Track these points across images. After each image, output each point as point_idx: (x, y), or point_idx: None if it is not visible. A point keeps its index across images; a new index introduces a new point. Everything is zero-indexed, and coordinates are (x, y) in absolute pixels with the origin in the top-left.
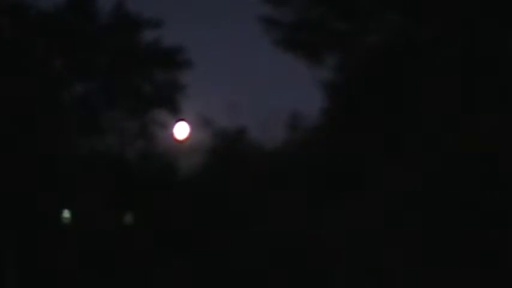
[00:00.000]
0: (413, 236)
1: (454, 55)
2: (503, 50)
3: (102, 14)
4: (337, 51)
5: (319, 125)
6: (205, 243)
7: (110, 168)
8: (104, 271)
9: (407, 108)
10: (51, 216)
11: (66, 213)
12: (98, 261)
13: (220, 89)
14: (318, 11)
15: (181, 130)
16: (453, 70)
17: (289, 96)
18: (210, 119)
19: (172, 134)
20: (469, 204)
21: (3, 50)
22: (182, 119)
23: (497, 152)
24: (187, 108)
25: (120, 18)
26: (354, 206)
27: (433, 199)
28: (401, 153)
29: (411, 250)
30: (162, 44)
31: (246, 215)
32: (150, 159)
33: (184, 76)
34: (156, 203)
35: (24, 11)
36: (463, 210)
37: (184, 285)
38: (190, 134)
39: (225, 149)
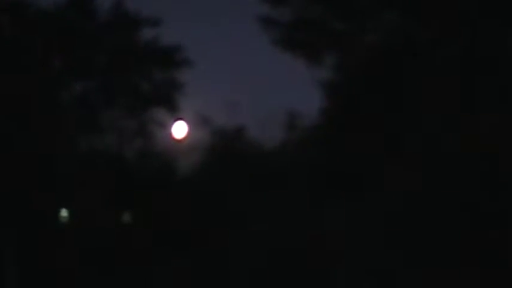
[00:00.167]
0: (413, 236)
1: (454, 55)
2: (503, 50)
3: (101, 13)
4: (335, 51)
5: (317, 124)
6: (203, 242)
7: (108, 167)
8: (103, 270)
9: (407, 108)
10: (50, 214)
11: (64, 212)
12: (97, 259)
13: (219, 87)
14: (316, 10)
15: (179, 129)
16: (453, 70)
17: (287, 95)
18: (209, 117)
19: (170, 133)
20: (469, 204)
21: (3, 48)
22: (181, 118)
23: (497, 152)
24: (186, 107)
25: (119, 17)
26: (353, 206)
27: (433, 199)
28: (401, 153)
29: (411, 250)
30: (160, 43)
31: (245, 214)
32: (148, 158)
33: (182, 75)
34: (154, 202)
35: (23, 10)
36: (463, 210)
37: (183, 284)
38: (189, 133)
39: (224, 148)
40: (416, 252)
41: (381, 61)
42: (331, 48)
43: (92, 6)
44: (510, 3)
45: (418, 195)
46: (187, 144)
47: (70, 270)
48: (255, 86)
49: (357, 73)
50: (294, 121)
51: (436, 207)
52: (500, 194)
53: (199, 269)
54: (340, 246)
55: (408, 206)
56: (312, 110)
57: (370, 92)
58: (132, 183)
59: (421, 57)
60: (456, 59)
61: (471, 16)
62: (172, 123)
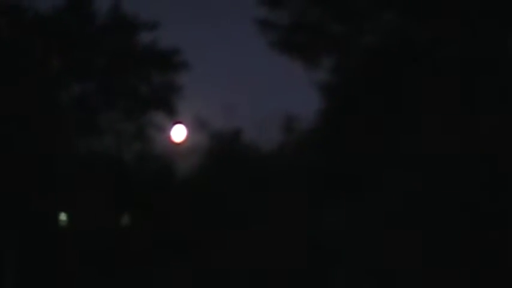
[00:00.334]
0: (413, 237)
1: (453, 55)
2: (503, 50)
3: (99, 16)
4: (333, 53)
5: (315, 126)
6: (202, 244)
7: (107, 169)
8: (103, 271)
9: (406, 109)
10: (50, 216)
11: (63, 216)
12: (97, 261)
13: (217, 90)
14: (314, 12)
15: (178, 132)
16: (453, 70)
17: (285, 98)
18: (207, 120)
19: (169, 137)
20: (469, 204)
21: (2, 51)
22: (179, 122)
23: (497, 152)
24: (184, 110)
25: (117, 20)
26: (353, 207)
27: (433, 199)
28: (401, 154)
29: (411, 250)
30: (158, 46)
31: (243, 216)
32: (147, 161)
33: (180, 78)
34: (153, 204)
35: (22, 12)
36: (463, 211)
37: (183, 285)
38: (187, 136)
39: (222, 150)
40: (416, 252)
41: (379, 62)
42: (329, 51)
43: (90, 9)
44: (510, 3)
45: (417, 196)
46: (186, 148)
47: (70, 272)
48: (253, 88)
49: (354, 75)
50: (292, 123)
51: (436, 207)
52: (500, 194)
53: (198, 271)
54: (340, 246)
55: (408, 206)
56: (310, 113)
57: (369, 93)
58: (131, 185)
59: (420, 57)
60: (456, 59)
61: (471, 16)
62: (171, 127)
